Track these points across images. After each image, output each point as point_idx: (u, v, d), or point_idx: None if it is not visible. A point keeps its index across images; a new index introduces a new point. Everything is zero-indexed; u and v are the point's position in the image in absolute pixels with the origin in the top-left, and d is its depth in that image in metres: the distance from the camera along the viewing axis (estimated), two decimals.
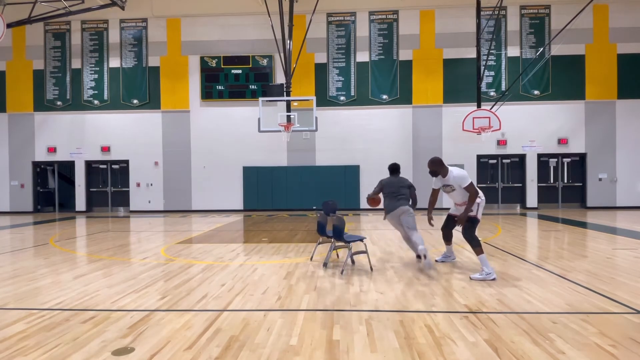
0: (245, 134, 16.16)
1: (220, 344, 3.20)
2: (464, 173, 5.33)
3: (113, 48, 16.80)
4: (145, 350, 3.10)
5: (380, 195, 6.05)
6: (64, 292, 4.72)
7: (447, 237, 6.07)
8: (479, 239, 5.35)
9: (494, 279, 5.04)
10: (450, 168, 5.40)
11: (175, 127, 16.68)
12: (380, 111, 16.19)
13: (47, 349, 3.13)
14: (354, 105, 16.25)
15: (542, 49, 15.19)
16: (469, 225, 5.28)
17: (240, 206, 16.49)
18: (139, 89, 16.68)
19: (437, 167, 5.44)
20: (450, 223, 5.96)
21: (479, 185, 14.12)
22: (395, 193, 5.85)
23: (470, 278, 5.14)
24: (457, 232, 5.96)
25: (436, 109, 16.05)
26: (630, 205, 15.54)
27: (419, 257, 5.79)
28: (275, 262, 6.34)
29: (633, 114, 15.58)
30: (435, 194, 5.75)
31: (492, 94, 15.77)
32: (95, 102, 16.85)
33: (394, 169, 6.23)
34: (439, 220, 6.28)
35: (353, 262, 6.09)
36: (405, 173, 15.97)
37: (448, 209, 6.07)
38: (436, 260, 6.16)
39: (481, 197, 5.36)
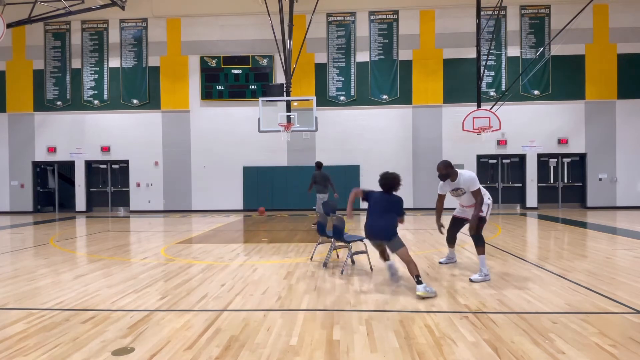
0: (245, 134, 16.16)
1: (220, 344, 3.20)
2: (474, 177, 5.21)
3: (113, 48, 16.79)
4: (145, 350, 3.10)
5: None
6: (64, 292, 4.71)
7: (451, 240, 5.92)
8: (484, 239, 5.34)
9: (489, 280, 5.10)
10: (459, 171, 5.28)
11: (175, 127, 16.67)
12: (380, 111, 16.19)
13: (47, 349, 3.13)
14: (354, 105, 16.25)
15: (542, 49, 15.19)
16: (479, 223, 5.25)
17: (240, 206, 16.49)
18: (139, 89, 16.68)
19: (449, 170, 5.26)
20: (455, 226, 5.83)
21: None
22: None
23: (471, 280, 5.05)
24: (461, 233, 5.95)
25: (436, 109, 16.05)
26: (630, 205, 15.53)
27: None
28: (275, 262, 6.34)
29: (633, 114, 15.57)
30: (441, 199, 5.60)
31: (492, 94, 15.77)
32: (95, 102, 16.85)
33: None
34: (445, 220, 6.24)
35: (353, 262, 6.09)
36: (405, 173, 15.97)
37: (453, 208, 5.92)
38: (439, 262, 6.08)
39: (490, 199, 5.36)
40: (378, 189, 4.99)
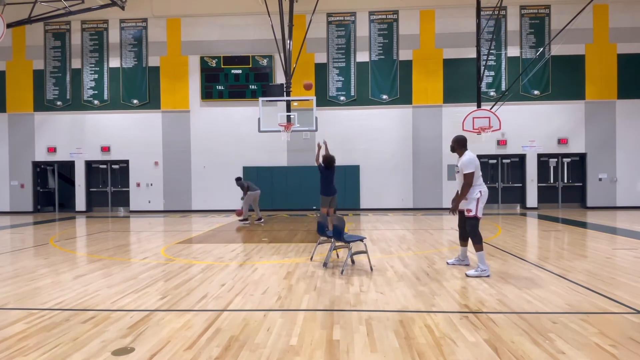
0: (245, 134, 16.16)
1: (220, 344, 3.20)
2: (470, 161, 5.20)
3: (113, 48, 16.79)
4: (145, 350, 3.10)
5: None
6: (64, 292, 4.71)
7: (463, 236, 5.75)
8: (482, 236, 5.37)
9: (488, 276, 5.20)
10: (466, 152, 5.37)
11: (175, 127, 16.67)
12: (380, 111, 16.19)
13: (47, 349, 3.13)
14: (354, 105, 16.24)
15: (542, 49, 15.19)
16: (473, 222, 5.31)
17: (240, 206, 16.44)
18: (139, 89, 16.68)
19: (456, 145, 5.43)
20: (461, 219, 5.73)
21: None
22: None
23: (466, 275, 5.28)
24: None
25: (436, 109, 16.05)
26: (630, 205, 15.53)
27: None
28: (275, 262, 6.34)
29: (633, 114, 15.57)
30: None
31: (492, 94, 15.77)
32: (95, 102, 16.85)
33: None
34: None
35: (353, 262, 6.09)
36: (405, 172, 15.99)
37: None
38: (447, 263, 6.02)
39: (481, 193, 5.26)
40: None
